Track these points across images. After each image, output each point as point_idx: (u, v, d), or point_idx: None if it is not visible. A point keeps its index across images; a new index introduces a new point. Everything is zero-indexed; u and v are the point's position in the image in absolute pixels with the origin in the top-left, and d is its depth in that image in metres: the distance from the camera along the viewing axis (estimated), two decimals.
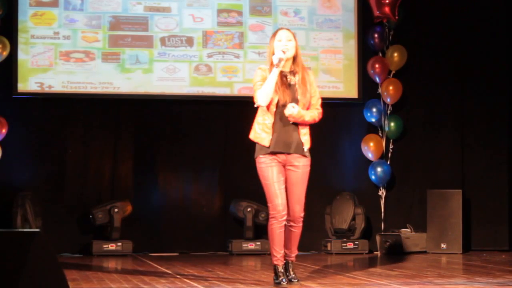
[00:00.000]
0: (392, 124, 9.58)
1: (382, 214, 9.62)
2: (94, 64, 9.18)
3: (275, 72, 5.76)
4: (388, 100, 9.57)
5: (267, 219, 9.19)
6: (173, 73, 9.32)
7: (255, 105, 5.85)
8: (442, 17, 9.81)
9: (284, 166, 5.88)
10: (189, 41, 9.37)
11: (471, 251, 9.41)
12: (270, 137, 5.81)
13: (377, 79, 9.61)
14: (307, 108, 5.89)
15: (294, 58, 5.89)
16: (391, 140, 9.65)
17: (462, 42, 9.82)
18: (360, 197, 9.44)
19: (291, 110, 5.75)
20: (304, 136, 5.89)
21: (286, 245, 5.99)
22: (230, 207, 9.29)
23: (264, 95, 5.75)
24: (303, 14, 9.56)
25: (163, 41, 9.33)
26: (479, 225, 9.64)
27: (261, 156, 5.85)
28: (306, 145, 5.89)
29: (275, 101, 5.80)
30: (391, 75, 9.64)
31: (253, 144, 5.85)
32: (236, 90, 9.43)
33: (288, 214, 5.91)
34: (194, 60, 9.37)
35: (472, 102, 9.84)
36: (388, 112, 9.60)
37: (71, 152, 9.22)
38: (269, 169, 5.83)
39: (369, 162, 9.60)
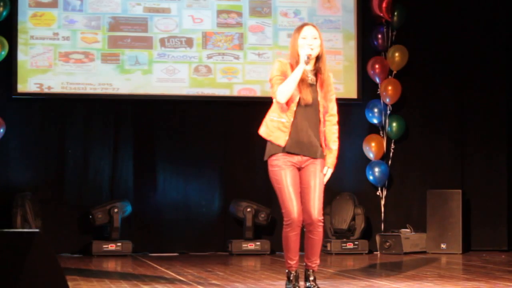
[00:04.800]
0: (394, 124, 9.57)
1: (382, 214, 9.62)
2: (94, 65, 9.18)
3: (301, 68, 5.30)
4: (387, 100, 9.57)
5: (267, 219, 9.32)
6: (172, 74, 9.32)
7: (274, 100, 5.40)
8: (443, 18, 9.81)
9: (299, 168, 5.40)
10: (189, 42, 9.38)
11: (470, 251, 9.41)
12: (287, 137, 5.33)
13: (377, 80, 9.61)
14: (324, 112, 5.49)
15: (318, 57, 5.43)
16: (392, 140, 9.66)
17: (463, 43, 9.82)
18: (360, 197, 9.44)
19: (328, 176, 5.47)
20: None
21: (306, 254, 5.47)
22: (230, 207, 9.29)
23: (285, 91, 5.28)
24: (303, 15, 9.55)
25: (162, 42, 9.33)
26: (479, 225, 9.64)
27: (273, 157, 5.36)
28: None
29: (297, 99, 5.34)
30: (392, 75, 9.64)
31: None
32: (235, 91, 9.43)
33: (305, 219, 5.36)
34: (194, 61, 9.37)
35: (472, 103, 9.84)
36: (388, 112, 9.60)
37: (71, 152, 9.22)
38: (282, 172, 5.33)
39: (370, 162, 9.60)
